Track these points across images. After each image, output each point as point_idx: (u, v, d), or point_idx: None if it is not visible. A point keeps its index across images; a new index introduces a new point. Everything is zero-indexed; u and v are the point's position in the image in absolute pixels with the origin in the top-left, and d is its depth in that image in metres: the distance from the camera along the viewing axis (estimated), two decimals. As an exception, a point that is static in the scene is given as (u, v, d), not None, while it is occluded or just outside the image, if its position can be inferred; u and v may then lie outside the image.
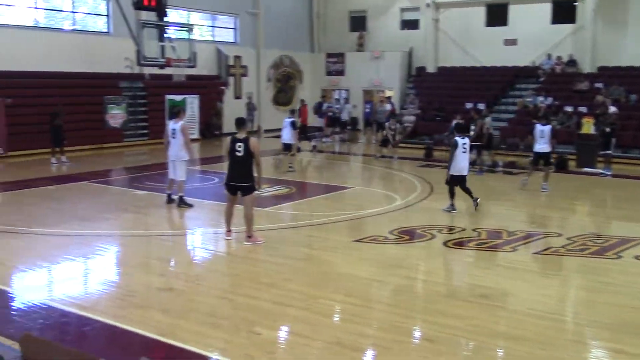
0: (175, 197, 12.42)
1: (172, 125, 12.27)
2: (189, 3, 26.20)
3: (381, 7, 31.12)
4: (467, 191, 12.16)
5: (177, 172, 12.27)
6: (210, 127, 26.04)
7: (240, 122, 9.63)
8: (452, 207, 12.06)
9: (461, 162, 11.87)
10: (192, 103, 24.69)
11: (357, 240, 9.98)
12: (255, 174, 9.50)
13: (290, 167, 17.41)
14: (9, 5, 21.10)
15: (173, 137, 12.12)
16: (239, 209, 9.81)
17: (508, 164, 20.07)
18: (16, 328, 6.15)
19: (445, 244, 9.80)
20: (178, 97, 24.04)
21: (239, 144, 9.26)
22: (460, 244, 9.83)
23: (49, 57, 21.12)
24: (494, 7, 28.29)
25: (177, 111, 12.88)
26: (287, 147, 17.64)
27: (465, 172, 12.02)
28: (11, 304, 7.13)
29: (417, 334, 6.41)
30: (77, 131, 19.92)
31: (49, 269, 8.47)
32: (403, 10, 30.84)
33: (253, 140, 9.38)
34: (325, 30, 33.13)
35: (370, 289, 7.74)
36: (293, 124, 17.59)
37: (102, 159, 19.75)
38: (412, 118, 25.94)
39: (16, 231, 10.21)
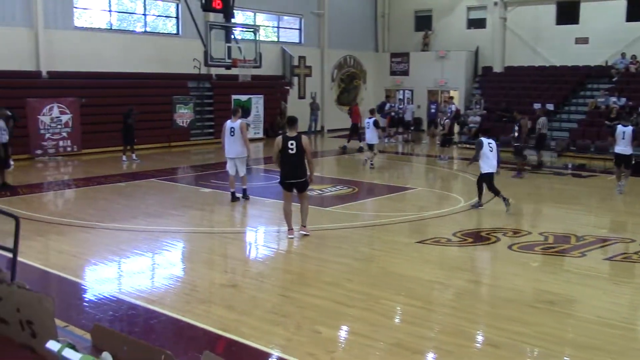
0: (239, 194, 12.73)
1: (230, 124, 12.56)
2: (255, 4, 26.58)
3: (447, 6, 30.70)
4: (480, 190, 12.43)
5: (240, 168, 12.67)
6: (274, 127, 26.32)
7: (293, 121, 9.84)
8: (507, 202, 11.96)
9: (492, 161, 12.19)
10: (257, 103, 25.04)
11: (419, 242, 9.88)
12: (307, 171, 9.81)
13: (371, 165, 17.92)
14: (85, 9, 21.93)
15: (232, 135, 12.46)
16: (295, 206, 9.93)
17: (578, 167, 19.49)
18: (87, 319, 6.38)
19: (510, 247, 9.58)
20: (243, 97, 24.42)
21: (291, 141, 9.53)
22: (526, 247, 9.57)
23: (122, 58, 21.85)
24: (564, 4, 27.39)
25: (234, 110, 13.24)
26: (372, 147, 18.10)
27: (495, 170, 12.32)
28: (83, 295, 7.42)
29: (480, 338, 6.29)
30: (146, 130, 20.53)
31: (119, 262, 8.76)
32: (470, 9, 30.31)
33: (304, 138, 9.71)
34: (389, 30, 32.94)
35: (433, 292, 7.65)
36: (376, 124, 18.05)
37: (169, 157, 20.28)
38: (477, 119, 25.46)
39: (89, 225, 10.61)
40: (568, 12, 27.21)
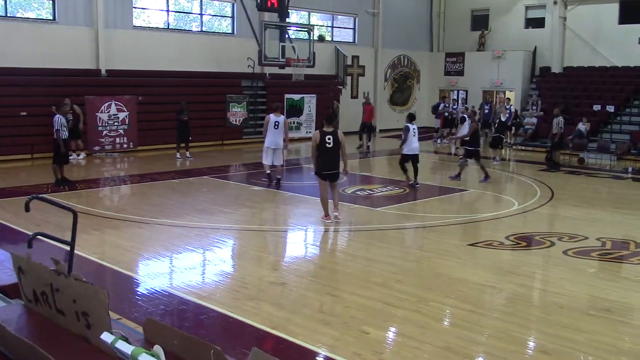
0: (274, 180, 14.22)
1: (274, 118, 14.00)
2: (309, 4, 26.66)
3: (505, 5, 30.13)
4: (416, 170, 14.66)
5: (279, 158, 14.19)
6: (326, 126, 26.34)
7: (331, 118, 10.97)
8: (408, 179, 14.62)
9: (414, 143, 14.53)
10: (310, 102, 25.10)
11: (471, 245, 9.73)
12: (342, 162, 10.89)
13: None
14: (144, 9, 22.45)
15: (276, 128, 13.93)
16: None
17: (639, 171, 18.85)
18: (139, 312, 6.53)
19: (565, 252, 9.32)
20: (296, 96, 24.52)
21: (329, 136, 10.49)
22: (582, 253, 9.32)
23: (178, 57, 22.26)
24: (628, 3, 26.48)
25: (277, 106, 14.82)
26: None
27: (417, 152, 14.68)
28: (136, 289, 7.59)
29: (531, 344, 6.15)
30: (200, 128, 20.85)
31: (171, 258, 8.93)
32: (528, 8, 29.67)
33: (340, 133, 10.68)
34: (445, 29, 32.56)
35: (484, 295, 7.52)
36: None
37: (222, 155, 20.55)
38: (534, 120, 24.90)
39: (143, 221, 10.86)
40: (632, 11, 26.28)
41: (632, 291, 7.69)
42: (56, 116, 13.80)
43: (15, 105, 18.16)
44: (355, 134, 23.19)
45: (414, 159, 14.62)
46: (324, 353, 5.71)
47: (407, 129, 14.55)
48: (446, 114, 26.35)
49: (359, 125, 26.41)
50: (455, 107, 27.88)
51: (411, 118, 15.08)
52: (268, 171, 14.36)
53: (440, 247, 9.64)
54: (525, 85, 28.91)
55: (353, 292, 7.33)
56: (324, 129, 10.61)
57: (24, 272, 3.00)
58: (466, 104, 28.82)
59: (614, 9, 26.83)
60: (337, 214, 10.82)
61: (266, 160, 14.24)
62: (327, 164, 10.57)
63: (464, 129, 18.08)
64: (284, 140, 14.08)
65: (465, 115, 18.87)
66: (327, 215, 10.83)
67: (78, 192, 13.54)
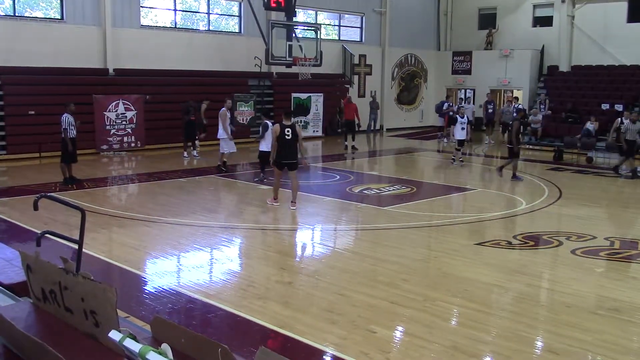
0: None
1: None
2: (316, 3, 26.65)
3: (512, 3, 30.03)
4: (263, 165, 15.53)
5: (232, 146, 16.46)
6: (332, 125, 26.34)
7: (289, 112, 12.11)
8: (263, 177, 15.26)
9: (268, 142, 14.90)
10: (317, 101, 25.09)
11: (478, 244, 9.71)
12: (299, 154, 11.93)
13: (452, 159, 19.14)
14: (151, 8, 22.49)
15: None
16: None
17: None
18: (147, 311, 6.55)
19: (573, 252, 9.29)
20: (303, 95, 24.51)
21: (287, 129, 11.47)
22: (590, 252, 9.28)
23: (185, 56, 22.29)
24: (637, 1, 26.33)
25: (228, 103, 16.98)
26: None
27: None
28: (144, 287, 7.61)
29: (539, 344, 6.13)
30: (207, 127, 20.85)
31: (178, 256, 8.95)
32: (536, 6, 29.57)
33: (297, 126, 11.88)
34: (452, 28, 32.48)
35: (491, 295, 7.50)
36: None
37: (229, 154, 20.51)
38: (539, 118, 24.74)
39: (150, 219, 10.89)
40: (640, 9, 26.14)
41: (641, 291, 7.66)
42: (64, 115, 13.84)
43: (23, 104, 18.25)
44: (361, 134, 23.08)
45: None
46: (331, 352, 5.71)
47: (266, 127, 14.43)
48: (451, 112, 26.23)
49: (366, 125, 26.31)
50: (461, 105, 27.71)
51: (268, 114, 15.94)
52: (224, 159, 16.43)
53: (447, 247, 9.63)
54: (533, 84, 28.82)
55: (360, 291, 7.33)
56: (284, 122, 11.57)
57: (32, 270, 3.01)
58: (472, 102, 28.63)
59: (622, 7, 26.68)
60: (293, 207, 11.78)
61: (227, 149, 16.35)
62: (286, 154, 11.56)
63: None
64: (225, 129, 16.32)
65: (457, 116, 18.95)
66: (275, 198, 12.02)
67: (86, 190, 13.58)
